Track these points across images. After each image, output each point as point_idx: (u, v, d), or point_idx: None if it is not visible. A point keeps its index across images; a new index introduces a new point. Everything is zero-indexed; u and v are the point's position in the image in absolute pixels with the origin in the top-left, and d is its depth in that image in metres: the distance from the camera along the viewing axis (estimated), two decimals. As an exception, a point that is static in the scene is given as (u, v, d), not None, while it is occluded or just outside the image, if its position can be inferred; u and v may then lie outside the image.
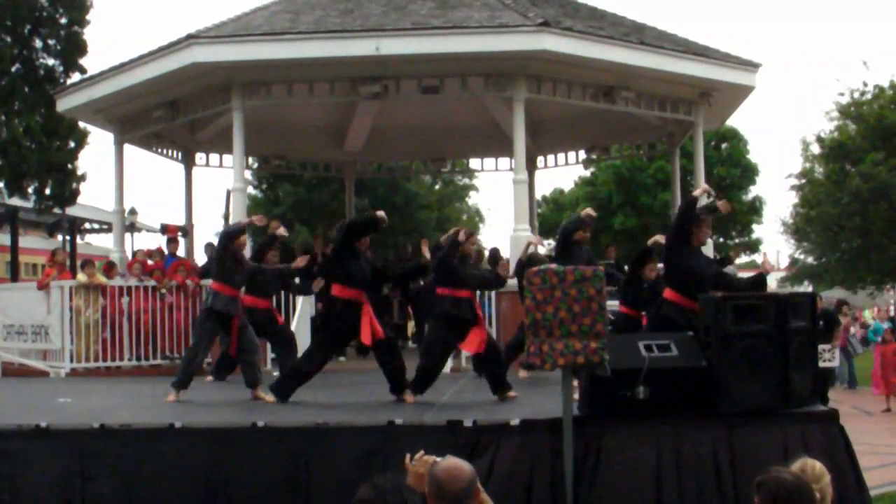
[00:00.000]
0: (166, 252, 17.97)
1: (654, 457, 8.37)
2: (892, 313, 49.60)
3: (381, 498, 4.48)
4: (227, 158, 20.81)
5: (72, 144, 32.56)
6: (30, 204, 33.82)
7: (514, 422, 8.61)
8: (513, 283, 13.25)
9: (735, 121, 56.26)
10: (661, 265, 11.94)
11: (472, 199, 57.74)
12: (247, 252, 13.12)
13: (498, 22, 15.64)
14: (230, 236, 11.94)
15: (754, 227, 54.34)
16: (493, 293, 15.16)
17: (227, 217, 14.09)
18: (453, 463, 4.94)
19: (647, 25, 18.52)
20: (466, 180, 52.98)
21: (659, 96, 17.68)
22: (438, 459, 5.12)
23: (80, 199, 35.03)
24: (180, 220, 21.47)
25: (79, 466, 8.74)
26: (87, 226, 47.99)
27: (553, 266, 8.40)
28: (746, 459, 8.24)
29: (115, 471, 8.73)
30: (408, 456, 5.26)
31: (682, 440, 8.42)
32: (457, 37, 15.51)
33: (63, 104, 19.34)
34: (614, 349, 8.21)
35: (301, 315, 15.80)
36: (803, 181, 38.88)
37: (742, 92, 18.66)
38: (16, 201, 34.30)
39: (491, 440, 8.47)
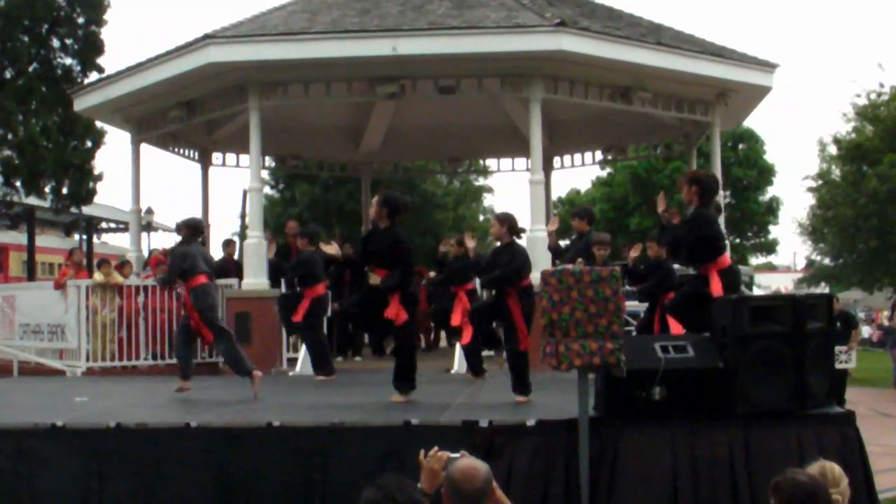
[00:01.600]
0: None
1: (670, 458, 8.35)
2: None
3: (388, 497, 4.48)
4: (244, 158, 20.85)
5: (89, 144, 32.77)
6: (47, 203, 34.02)
7: (530, 422, 8.59)
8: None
9: (752, 121, 56.26)
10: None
11: (488, 200, 57.80)
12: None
13: (515, 22, 15.63)
14: None
15: (771, 227, 54.30)
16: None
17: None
18: (469, 463, 4.95)
19: (664, 26, 18.49)
20: (482, 179, 53.00)
21: (676, 97, 17.66)
22: (453, 455, 5.13)
23: (96, 199, 35.26)
24: (196, 220, 21.51)
25: (96, 466, 8.76)
26: (103, 225, 48.28)
27: (569, 267, 8.39)
28: (762, 461, 8.22)
29: (132, 470, 8.74)
30: (422, 452, 5.26)
31: (697, 441, 8.40)
32: (473, 37, 15.50)
33: (80, 104, 19.40)
34: (630, 350, 8.20)
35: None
36: (820, 182, 38.77)
37: (759, 93, 18.62)
38: (33, 200, 34.50)
39: (506, 441, 8.47)
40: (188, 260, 11.90)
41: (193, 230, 12.21)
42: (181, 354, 12.37)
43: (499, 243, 11.11)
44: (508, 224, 10.87)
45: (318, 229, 15.36)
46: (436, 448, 5.24)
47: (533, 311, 10.52)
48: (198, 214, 21.76)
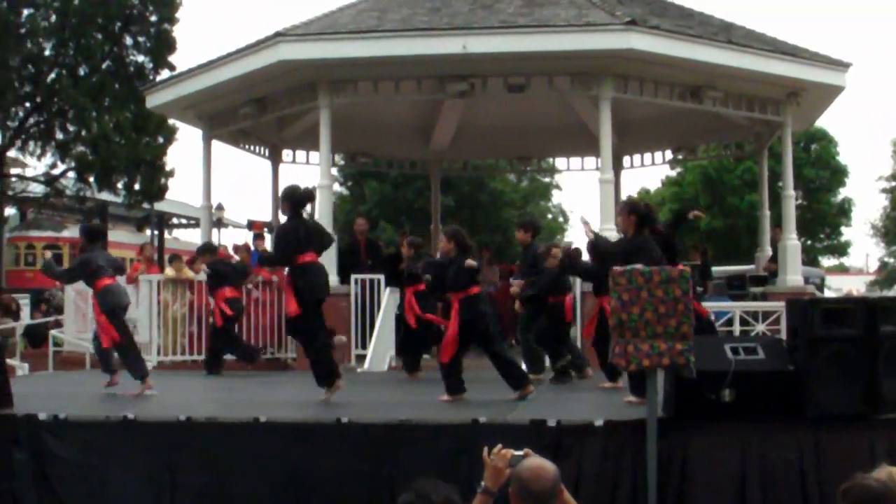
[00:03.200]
0: (252, 248, 18.12)
1: (739, 460, 8.29)
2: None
3: (422, 496, 4.54)
4: (314, 155, 20.94)
5: (160, 140, 33.20)
6: (119, 199, 34.53)
7: (598, 422, 8.57)
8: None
9: (824, 121, 55.65)
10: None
11: (556, 198, 57.72)
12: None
13: (585, 20, 15.59)
14: None
15: (843, 229, 53.72)
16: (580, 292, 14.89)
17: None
18: (538, 462, 4.94)
19: (735, 24, 18.33)
20: (549, 179, 52.90)
21: (747, 96, 17.50)
22: (517, 453, 5.13)
23: (168, 195, 35.66)
24: (266, 217, 21.67)
25: (166, 459, 8.85)
26: (174, 221, 48.84)
27: (639, 267, 8.34)
28: (833, 465, 8.11)
29: (202, 463, 8.82)
30: (485, 450, 5.27)
31: (767, 444, 8.33)
32: (544, 35, 15.48)
33: (152, 101, 19.63)
34: (700, 351, 8.14)
35: (385, 311, 15.72)
36: (894, 183, 38.35)
37: (832, 92, 18.40)
38: (105, 196, 34.96)
39: (574, 441, 8.44)
40: (90, 265, 12.01)
41: (90, 236, 12.40)
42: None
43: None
44: (456, 240, 11.12)
45: (213, 246, 16.43)
46: (500, 446, 5.24)
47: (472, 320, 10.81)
48: (268, 211, 21.97)
